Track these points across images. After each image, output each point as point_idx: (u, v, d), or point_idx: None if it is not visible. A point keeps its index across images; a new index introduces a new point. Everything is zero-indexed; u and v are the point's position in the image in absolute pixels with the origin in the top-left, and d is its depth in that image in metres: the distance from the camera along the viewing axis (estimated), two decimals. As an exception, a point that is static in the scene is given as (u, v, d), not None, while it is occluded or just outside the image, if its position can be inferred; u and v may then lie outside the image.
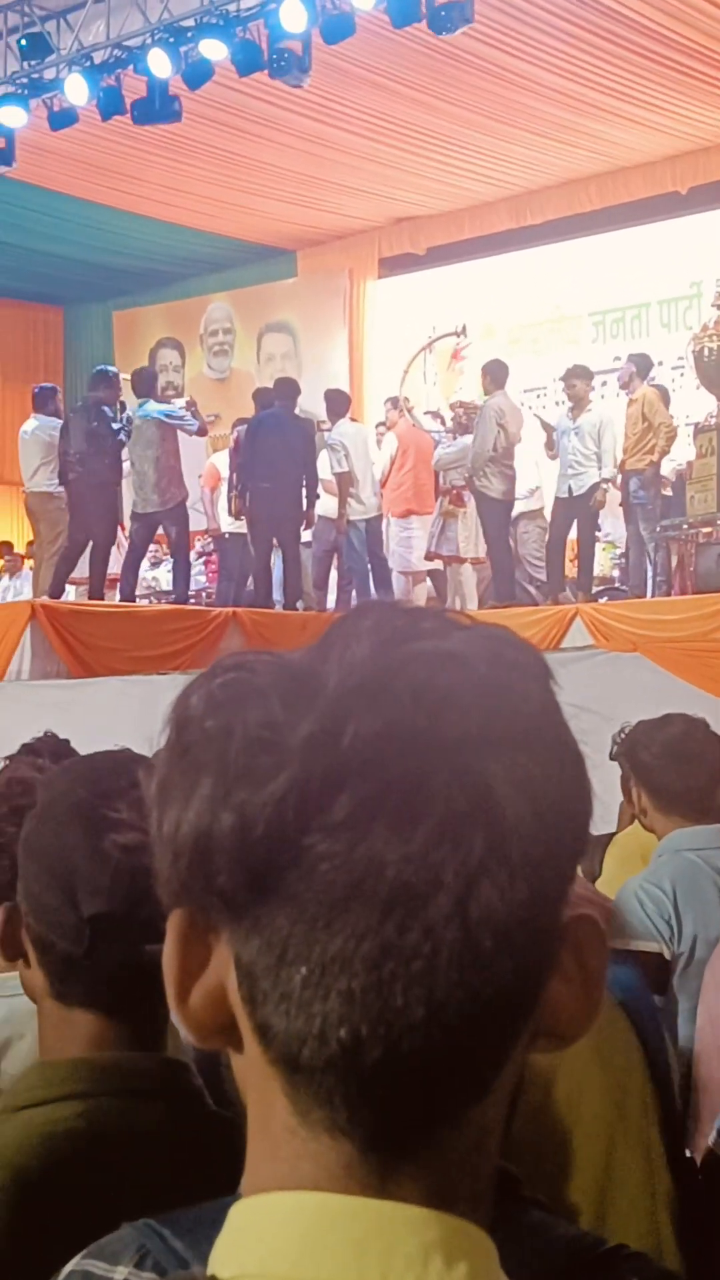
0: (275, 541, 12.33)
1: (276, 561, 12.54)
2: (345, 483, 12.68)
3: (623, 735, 4.01)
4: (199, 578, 14.75)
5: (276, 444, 11.86)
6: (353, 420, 13.42)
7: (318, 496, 12.32)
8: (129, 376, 12.64)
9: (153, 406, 12.19)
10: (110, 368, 12.93)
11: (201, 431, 12.61)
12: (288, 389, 12.61)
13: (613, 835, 4.47)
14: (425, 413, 15.04)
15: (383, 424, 14.51)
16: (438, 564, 13.20)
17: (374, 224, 18.09)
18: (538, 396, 16.41)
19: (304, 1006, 0.68)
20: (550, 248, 17.06)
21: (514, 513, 12.40)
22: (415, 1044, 0.68)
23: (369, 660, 0.71)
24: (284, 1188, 0.70)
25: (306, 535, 12.71)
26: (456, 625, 0.75)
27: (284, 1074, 0.70)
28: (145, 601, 13.33)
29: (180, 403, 13.03)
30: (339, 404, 13.09)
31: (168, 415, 12.18)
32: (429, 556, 12.97)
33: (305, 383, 13.77)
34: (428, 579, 13.62)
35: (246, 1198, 0.72)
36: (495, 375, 12.24)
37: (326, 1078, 0.69)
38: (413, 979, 0.68)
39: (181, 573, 12.57)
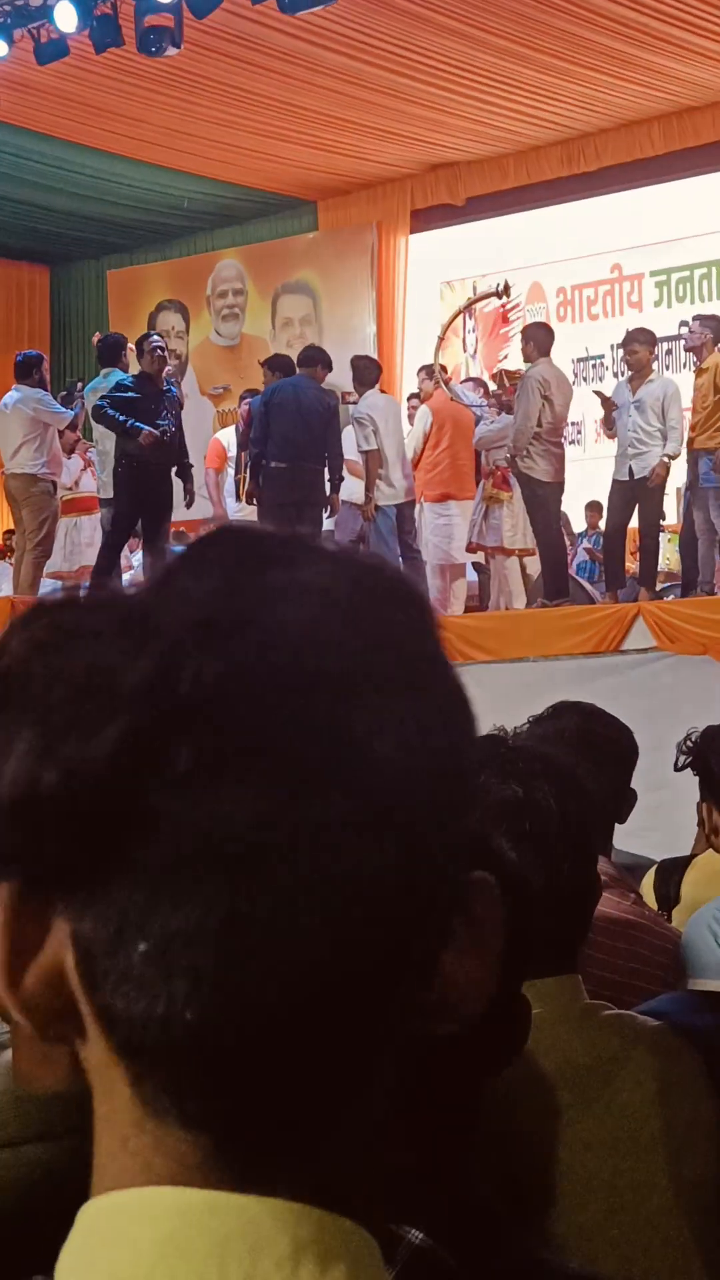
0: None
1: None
2: (374, 462, 12.65)
3: (690, 744, 3.98)
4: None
5: (293, 418, 11.86)
6: (382, 392, 13.39)
7: (342, 479, 12.31)
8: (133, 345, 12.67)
9: (119, 379, 12.19)
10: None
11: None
12: (313, 356, 12.61)
13: (691, 857, 4.44)
14: (464, 381, 15.01)
15: (416, 396, 14.49)
16: (480, 556, 13.17)
17: (406, 171, 18.11)
18: (593, 366, 16.41)
19: (146, 987, 0.68)
20: (607, 198, 17.06)
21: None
22: (272, 1026, 0.68)
23: (215, 593, 0.70)
24: (135, 1185, 0.70)
25: (328, 523, 12.69)
26: (319, 552, 0.73)
27: (128, 1062, 0.70)
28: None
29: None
30: (368, 372, 13.05)
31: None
32: (471, 548, 12.93)
33: (327, 350, 13.74)
34: (468, 573, 13.59)
35: (95, 1198, 0.71)
36: (538, 340, 12.21)
37: (175, 1065, 0.69)
38: (267, 953, 0.67)
39: None
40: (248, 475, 12.42)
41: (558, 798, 2.03)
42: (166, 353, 12.42)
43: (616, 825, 3.47)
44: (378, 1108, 0.73)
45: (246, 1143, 0.70)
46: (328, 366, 12.50)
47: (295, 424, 11.88)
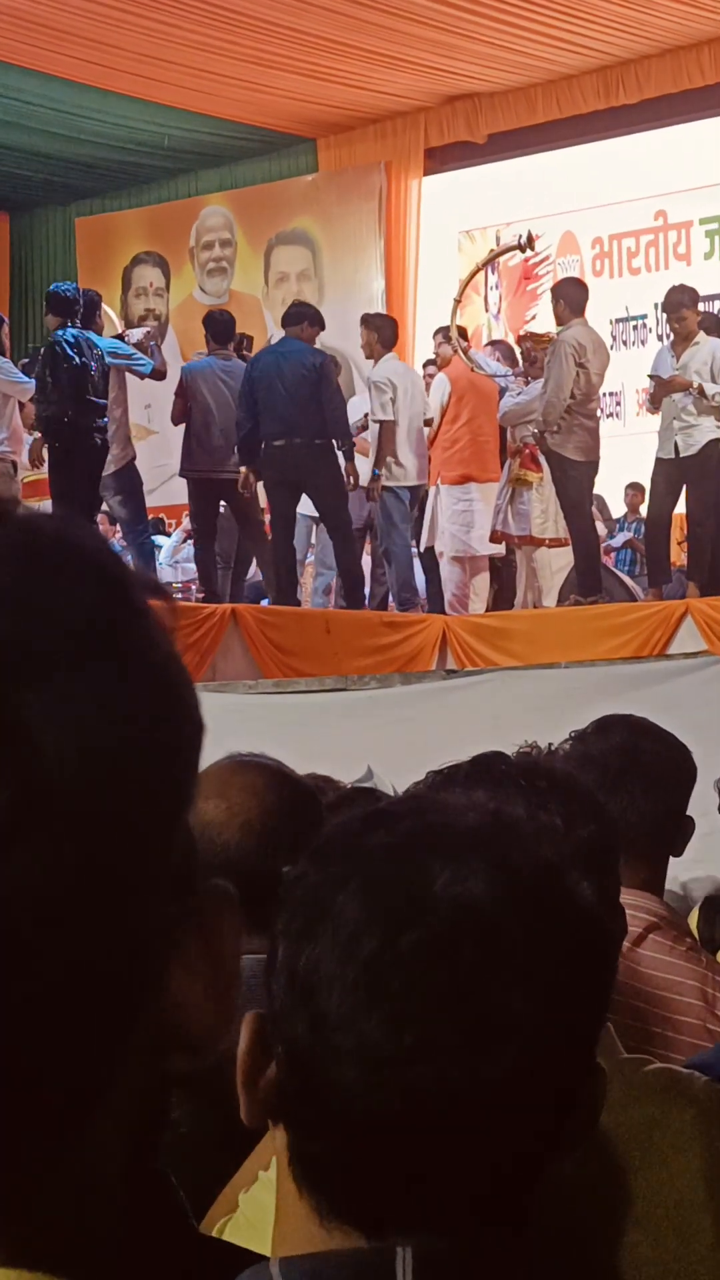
0: (304, 517, 12.39)
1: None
2: (389, 436, 12.65)
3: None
4: (186, 565, 14.76)
5: (276, 391, 11.82)
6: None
7: (353, 445, 12.28)
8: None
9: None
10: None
11: (158, 374, 12.65)
12: (299, 313, 12.52)
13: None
14: (486, 346, 15.03)
15: (432, 362, 14.49)
16: (505, 547, 13.17)
17: (419, 104, 18.15)
18: (633, 328, 16.44)
19: None
20: (650, 134, 17.11)
21: None
22: None
23: None
24: None
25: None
26: None
27: None
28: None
29: (136, 334, 13.07)
30: (386, 332, 13.01)
31: (112, 352, 12.22)
32: (495, 538, 12.93)
33: (328, 310, 13.76)
34: (489, 566, 13.59)
35: None
36: (571, 299, 12.17)
37: None
38: None
39: (143, 560, 12.63)
40: (236, 454, 12.40)
41: (566, 820, 2.04)
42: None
43: (671, 858, 3.37)
44: (113, 1159, 0.73)
45: None
46: (317, 323, 12.42)
47: (279, 397, 11.85)
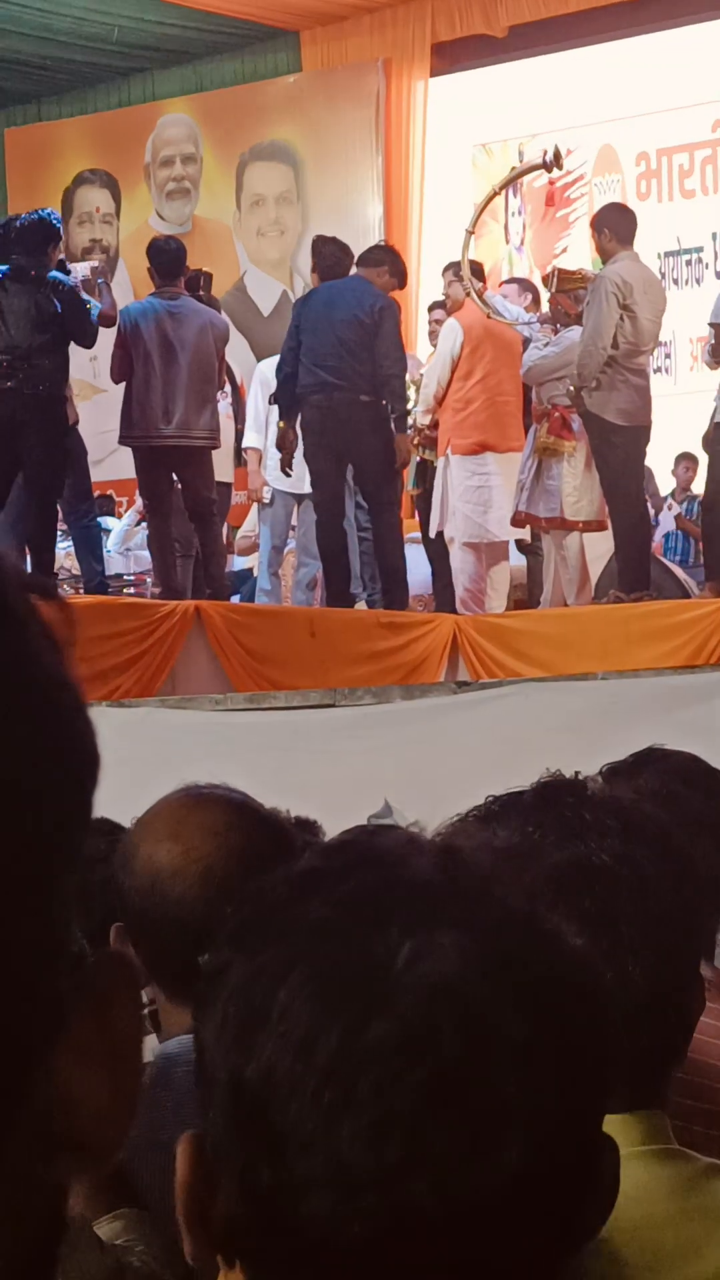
0: (282, 494, 12.43)
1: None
2: None
3: None
4: (141, 553, 14.75)
5: (323, 333, 11.83)
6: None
7: (406, 410, 12.26)
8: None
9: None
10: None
11: (106, 319, 12.62)
12: (380, 258, 12.54)
13: None
14: (505, 284, 15.02)
15: (440, 305, 14.50)
16: (530, 532, 13.19)
17: (424, -12, 18.22)
18: (686, 263, 16.44)
19: None
20: (707, 26, 17.09)
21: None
22: None
23: None
24: None
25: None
26: None
27: None
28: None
29: (81, 269, 13.04)
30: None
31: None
32: (518, 520, 12.96)
33: (312, 239, 13.75)
34: (511, 554, 13.60)
35: None
36: (616, 227, 12.19)
37: None
38: None
39: (89, 547, 12.66)
40: (181, 413, 12.37)
41: (632, 864, 2.05)
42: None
43: None
44: None
45: None
46: (398, 275, 12.50)
47: (326, 341, 11.88)
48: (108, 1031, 0.77)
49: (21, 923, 0.72)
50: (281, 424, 12.07)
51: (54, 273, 11.87)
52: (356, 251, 12.69)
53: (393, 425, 12.02)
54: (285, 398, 12.05)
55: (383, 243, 13.97)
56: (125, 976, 0.79)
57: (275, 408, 12.78)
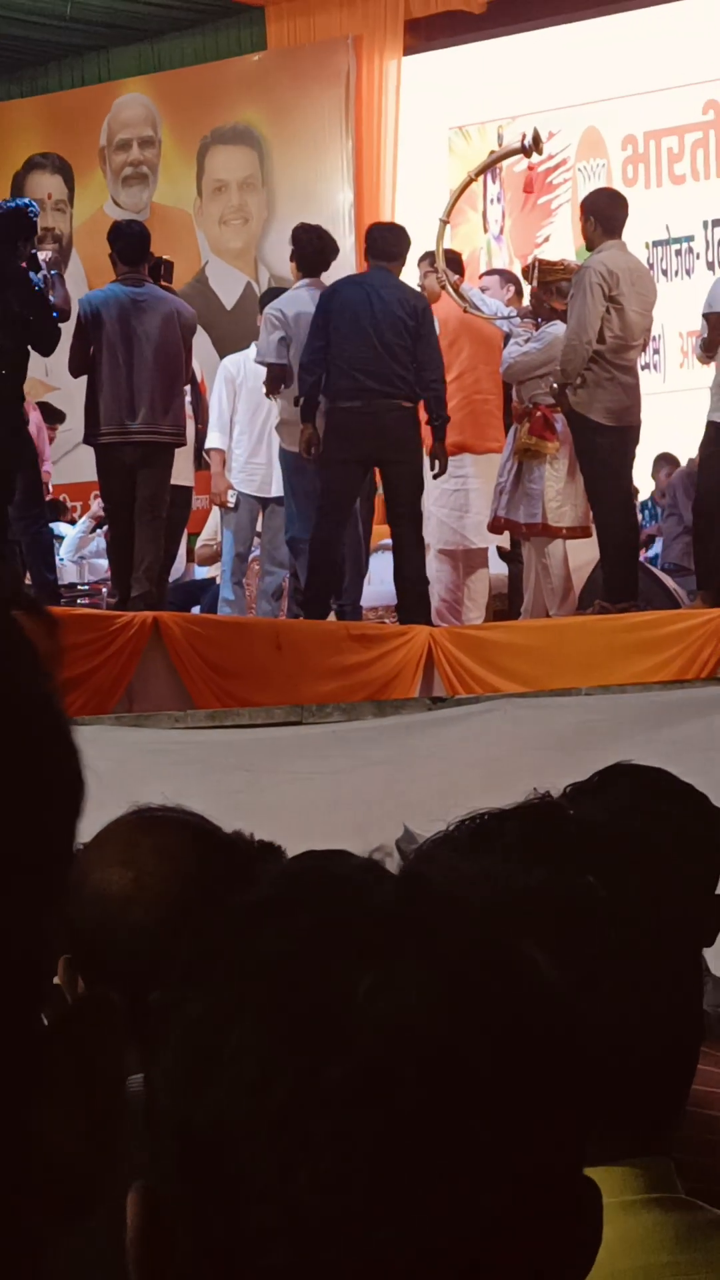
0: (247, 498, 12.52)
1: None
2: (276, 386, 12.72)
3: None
4: (96, 561, 14.76)
5: (359, 332, 11.82)
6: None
7: (446, 417, 12.25)
8: None
9: None
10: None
11: (60, 314, 12.61)
12: (393, 248, 12.58)
13: None
14: (486, 275, 15.05)
15: (413, 296, 14.54)
16: (509, 538, 13.20)
17: (397, -39, 18.24)
18: (676, 253, 16.45)
19: None
20: (696, 2, 17.11)
21: None
22: None
23: None
24: None
25: (434, 488, 12.71)
26: None
27: None
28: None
29: (44, 255, 13.06)
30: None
31: None
32: (496, 526, 12.97)
33: (280, 230, 13.84)
34: (490, 562, 13.61)
35: None
36: (603, 215, 12.23)
37: None
38: None
39: (39, 555, 12.65)
40: (147, 410, 12.34)
41: (611, 888, 2.02)
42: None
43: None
44: None
45: None
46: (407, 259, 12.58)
47: (365, 343, 11.85)
48: (88, 1076, 0.77)
49: (2, 963, 0.72)
50: (306, 427, 12.00)
51: (32, 273, 11.87)
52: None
53: (432, 433, 12.05)
54: (309, 401, 11.98)
55: (393, 225, 13.93)
56: (107, 1018, 0.78)
57: (242, 407, 12.78)
